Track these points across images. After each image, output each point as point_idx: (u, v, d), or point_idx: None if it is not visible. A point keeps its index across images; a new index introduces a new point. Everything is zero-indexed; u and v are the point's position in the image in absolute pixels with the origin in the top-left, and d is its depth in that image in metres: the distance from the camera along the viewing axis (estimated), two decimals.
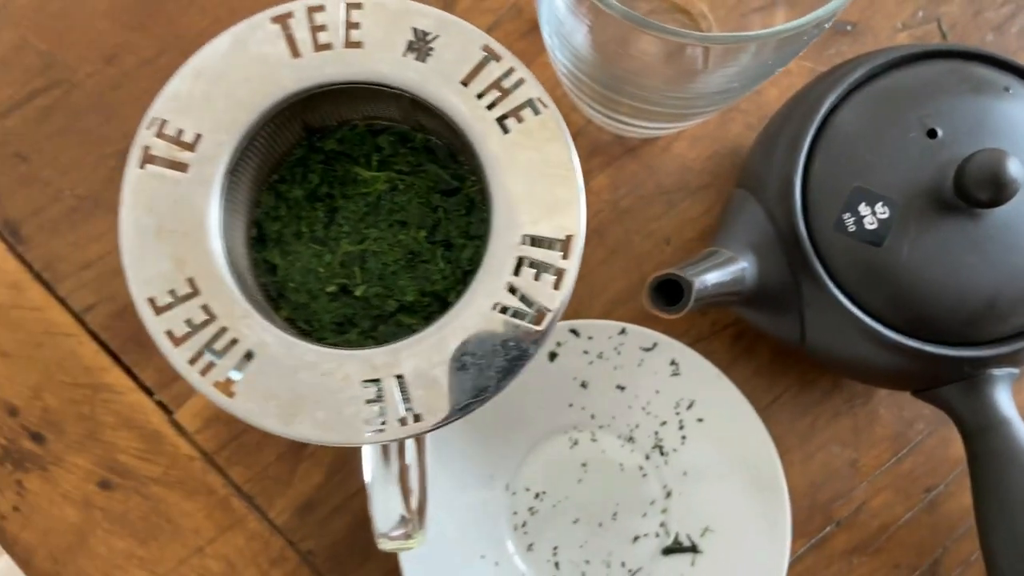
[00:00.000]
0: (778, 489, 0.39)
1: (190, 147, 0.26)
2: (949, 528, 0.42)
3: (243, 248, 0.29)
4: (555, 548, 0.41)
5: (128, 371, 0.42)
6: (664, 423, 0.41)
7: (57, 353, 0.42)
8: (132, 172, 0.26)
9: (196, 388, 0.25)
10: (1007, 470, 0.35)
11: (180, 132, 0.26)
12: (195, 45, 0.44)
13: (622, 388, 0.41)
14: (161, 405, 0.42)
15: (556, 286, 0.26)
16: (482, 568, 0.40)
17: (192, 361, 0.26)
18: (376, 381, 0.26)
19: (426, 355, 0.26)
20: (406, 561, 0.39)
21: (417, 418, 0.26)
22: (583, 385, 0.41)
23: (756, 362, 0.43)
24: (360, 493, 0.42)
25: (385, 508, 0.28)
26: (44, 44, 0.44)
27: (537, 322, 0.26)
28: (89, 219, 0.43)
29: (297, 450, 0.42)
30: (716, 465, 0.41)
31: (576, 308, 0.42)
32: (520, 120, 0.27)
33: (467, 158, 0.29)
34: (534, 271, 0.26)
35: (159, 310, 0.26)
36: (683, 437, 0.41)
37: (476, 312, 0.26)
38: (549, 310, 0.26)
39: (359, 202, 0.30)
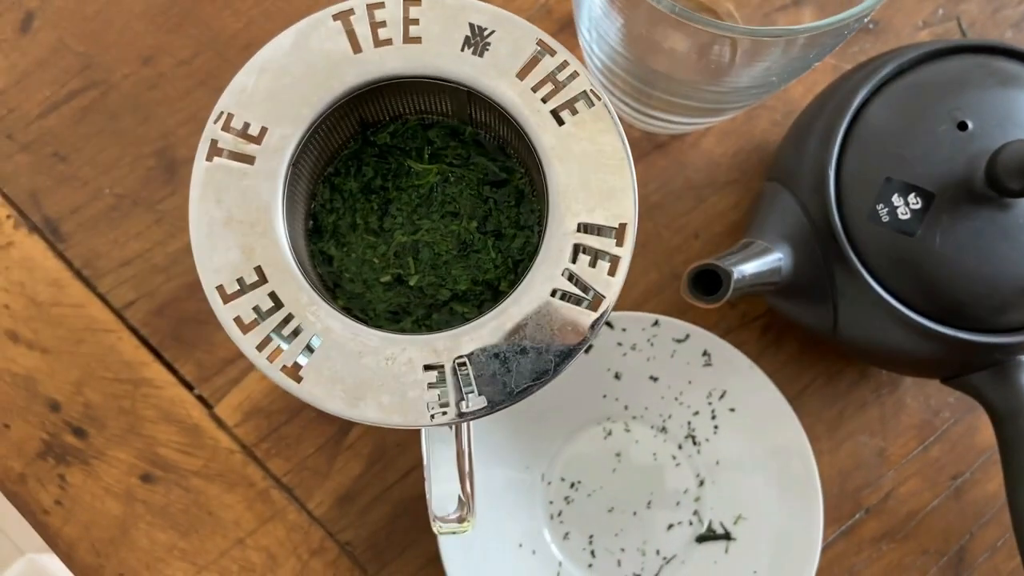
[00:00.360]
0: (810, 477, 0.40)
1: (256, 140, 0.27)
2: (976, 514, 0.43)
3: (302, 239, 0.30)
4: (591, 536, 0.42)
5: (168, 366, 0.43)
6: (696, 413, 0.42)
7: (98, 349, 0.42)
8: (200, 165, 0.27)
9: (265, 373, 0.26)
10: None
11: (246, 126, 0.27)
12: (230, 47, 0.45)
13: (655, 379, 0.42)
14: (201, 399, 0.42)
15: (611, 272, 0.27)
16: (519, 556, 0.41)
17: (260, 347, 0.26)
18: (439, 365, 0.26)
19: (487, 339, 0.26)
20: (447, 550, 0.39)
21: (478, 401, 0.26)
22: (617, 376, 0.42)
23: (785, 353, 0.43)
24: (398, 484, 0.42)
25: (442, 491, 0.29)
26: (81, 46, 0.44)
27: (594, 307, 0.27)
28: (128, 217, 0.43)
29: (335, 442, 0.42)
30: (748, 454, 0.41)
31: None
32: (574, 112, 0.28)
33: (520, 150, 0.30)
34: (589, 258, 0.27)
35: (228, 298, 0.26)
36: (715, 427, 0.42)
37: (535, 298, 0.27)
38: (605, 296, 0.27)
39: (412, 194, 0.31)
